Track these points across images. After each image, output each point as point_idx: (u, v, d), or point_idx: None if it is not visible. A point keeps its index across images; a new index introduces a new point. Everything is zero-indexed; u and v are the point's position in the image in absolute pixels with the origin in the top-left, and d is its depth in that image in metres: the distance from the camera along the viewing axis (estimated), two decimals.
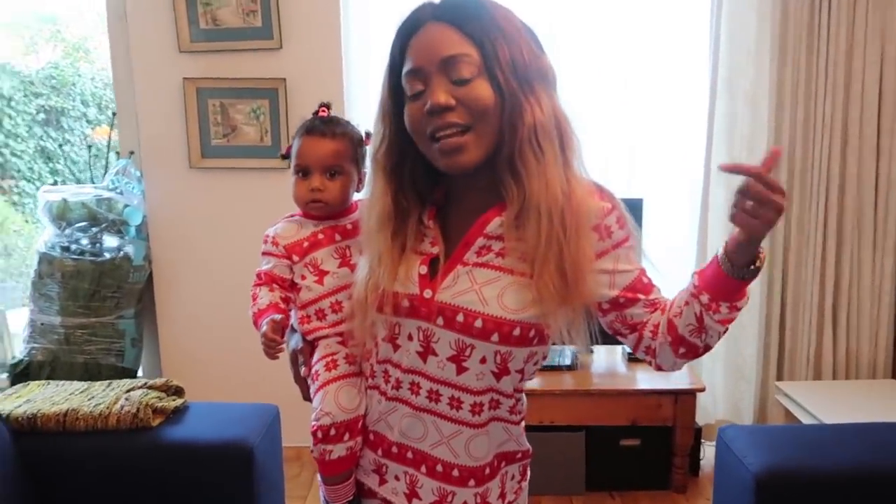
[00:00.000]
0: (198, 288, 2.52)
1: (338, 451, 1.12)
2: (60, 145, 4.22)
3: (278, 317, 1.11)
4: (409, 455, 1.06)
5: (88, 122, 4.32)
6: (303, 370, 1.14)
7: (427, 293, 0.99)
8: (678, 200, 2.58)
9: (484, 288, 0.98)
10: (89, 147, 3.13)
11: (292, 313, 1.17)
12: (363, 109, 2.40)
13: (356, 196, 1.21)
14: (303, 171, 1.15)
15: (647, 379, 2.36)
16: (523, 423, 1.11)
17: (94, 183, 2.54)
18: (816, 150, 2.44)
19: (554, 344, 1.07)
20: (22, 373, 2.28)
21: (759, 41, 2.41)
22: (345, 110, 2.40)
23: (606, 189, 1.01)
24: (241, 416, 1.76)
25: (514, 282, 0.97)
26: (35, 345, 2.32)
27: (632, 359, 2.48)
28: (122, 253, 2.38)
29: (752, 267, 0.93)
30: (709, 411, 2.59)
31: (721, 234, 2.48)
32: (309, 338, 1.16)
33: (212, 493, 1.64)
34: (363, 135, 1.21)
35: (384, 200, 1.03)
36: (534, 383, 2.29)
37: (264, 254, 1.16)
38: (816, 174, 2.45)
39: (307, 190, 1.15)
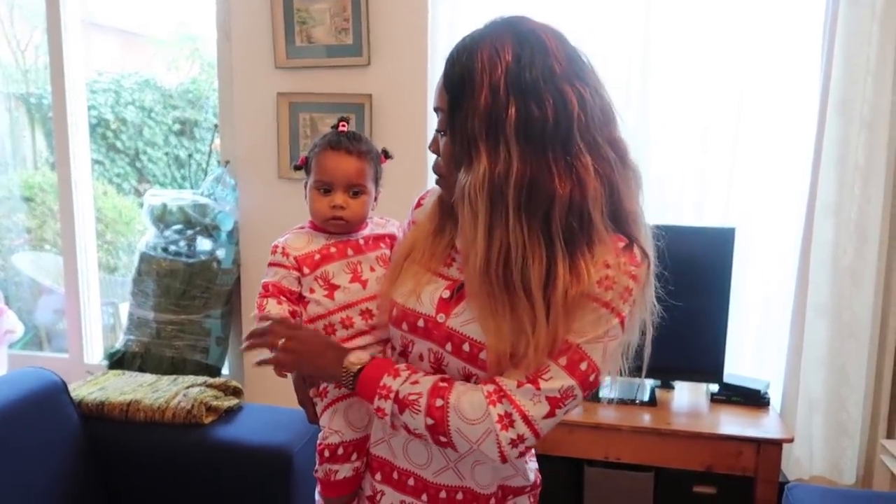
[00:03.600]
0: None
1: (343, 471, 1.10)
2: (190, 155, 4.58)
3: None
4: (411, 482, 1.04)
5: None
6: (311, 390, 1.14)
7: (440, 317, 0.98)
8: (778, 232, 2.36)
9: None
10: (190, 156, 3.36)
11: None
12: None
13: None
14: (325, 187, 1.16)
15: (729, 422, 2.17)
16: (529, 456, 1.10)
17: (192, 189, 2.72)
18: None
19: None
20: (118, 361, 2.47)
21: (880, 59, 2.16)
22: (427, 127, 2.42)
23: (632, 251, 0.92)
24: (289, 422, 1.81)
25: None
26: (131, 336, 2.51)
27: (715, 399, 2.29)
28: (212, 256, 2.52)
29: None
30: (803, 466, 2.34)
31: (827, 273, 2.24)
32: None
33: (251, 495, 1.69)
34: (381, 153, 1.21)
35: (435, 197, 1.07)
36: (602, 416, 2.18)
37: (272, 264, 1.16)
38: None
39: (329, 206, 1.15)
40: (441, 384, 0.93)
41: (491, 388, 0.90)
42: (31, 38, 4.18)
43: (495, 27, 0.92)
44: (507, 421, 0.88)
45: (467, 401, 0.90)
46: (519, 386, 0.89)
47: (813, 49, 2.26)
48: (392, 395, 0.94)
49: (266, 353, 1.04)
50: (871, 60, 2.15)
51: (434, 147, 1.00)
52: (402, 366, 0.98)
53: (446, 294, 0.99)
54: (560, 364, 0.89)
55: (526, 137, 0.87)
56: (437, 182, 1.01)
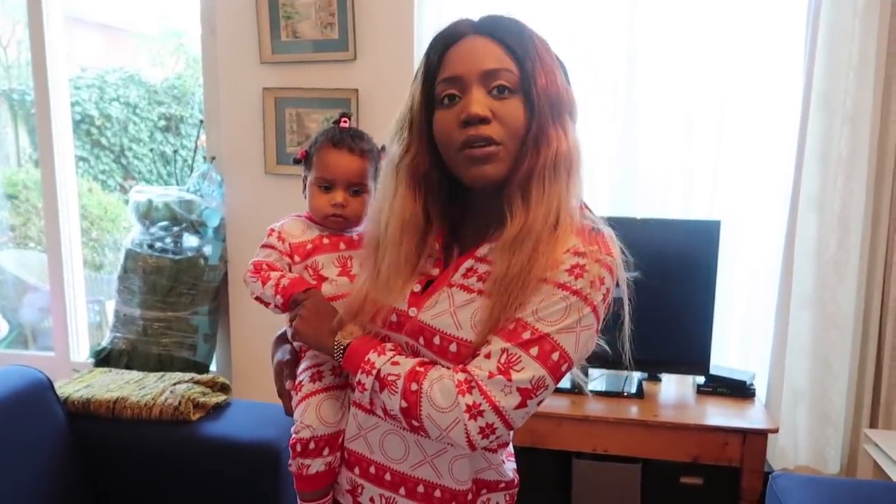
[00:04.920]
0: None
1: (316, 465, 1.10)
2: (175, 151, 4.55)
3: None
4: (388, 477, 1.04)
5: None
6: (287, 383, 1.14)
7: (412, 311, 0.99)
8: (762, 225, 2.38)
9: (459, 310, 0.96)
10: (176, 152, 3.34)
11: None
12: None
13: None
14: (326, 185, 1.16)
15: (715, 413, 2.19)
16: (505, 452, 1.09)
17: (178, 185, 2.71)
18: None
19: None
20: (104, 359, 2.46)
21: (862, 54, 2.18)
22: None
23: (602, 236, 0.95)
24: (277, 418, 1.79)
25: (487, 304, 0.94)
26: (118, 334, 2.50)
27: (702, 391, 2.32)
28: (199, 252, 2.51)
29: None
30: (788, 456, 2.37)
31: (810, 265, 2.27)
32: (296, 344, 1.16)
33: (239, 491, 1.69)
34: (380, 149, 1.21)
35: (414, 211, 1.01)
36: (590, 408, 2.20)
37: (266, 246, 1.17)
38: None
39: (329, 204, 1.15)
40: (418, 368, 0.93)
41: (462, 377, 0.90)
42: (14, 33, 4.14)
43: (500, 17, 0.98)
44: (475, 411, 0.88)
45: (439, 388, 0.90)
46: (490, 377, 0.89)
47: (796, 44, 2.28)
48: (374, 372, 0.95)
49: None
50: (853, 55, 2.17)
51: (482, 110, 0.91)
52: (390, 345, 0.99)
53: (417, 288, 1.00)
54: (532, 354, 0.89)
55: (573, 114, 0.98)
56: (475, 151, 0.92)
